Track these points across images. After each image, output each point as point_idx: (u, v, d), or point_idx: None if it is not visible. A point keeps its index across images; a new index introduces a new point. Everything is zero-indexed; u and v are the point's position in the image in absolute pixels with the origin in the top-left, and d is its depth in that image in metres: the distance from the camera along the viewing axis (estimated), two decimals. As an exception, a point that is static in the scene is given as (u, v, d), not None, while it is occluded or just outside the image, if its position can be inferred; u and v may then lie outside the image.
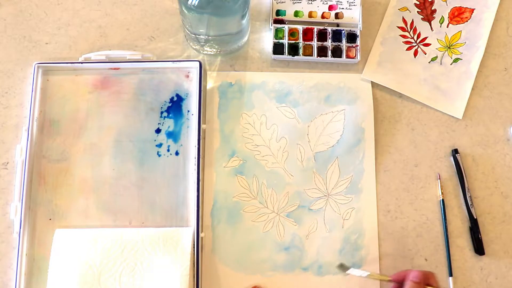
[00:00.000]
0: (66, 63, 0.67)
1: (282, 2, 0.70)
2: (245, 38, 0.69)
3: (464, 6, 0.72)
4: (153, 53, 0.69)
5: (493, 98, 0.70)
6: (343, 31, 0.70)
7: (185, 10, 0.59)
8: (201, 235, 0.63)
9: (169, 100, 0.67)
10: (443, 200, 0.66)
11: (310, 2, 0.71)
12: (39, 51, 0.70)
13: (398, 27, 0.71)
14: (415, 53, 0.71)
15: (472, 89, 0.70)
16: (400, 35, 0.71)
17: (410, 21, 0.72)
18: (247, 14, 0.63)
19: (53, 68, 0.68)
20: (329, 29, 0.70)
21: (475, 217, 0.65)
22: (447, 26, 0.72)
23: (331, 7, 0.71)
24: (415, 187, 0.67)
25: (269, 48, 0.70)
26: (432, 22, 0.72)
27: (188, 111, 0.67)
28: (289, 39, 0.69)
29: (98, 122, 0.66)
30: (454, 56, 0.70)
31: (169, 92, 0.68)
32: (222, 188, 0.66)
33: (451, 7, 0.72)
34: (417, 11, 0.72)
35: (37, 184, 0.64)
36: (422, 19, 0.72)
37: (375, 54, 0.70)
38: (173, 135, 0.66)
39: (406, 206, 0.66)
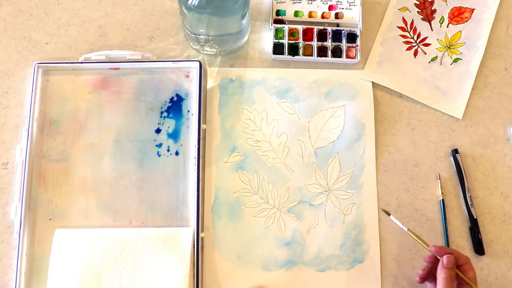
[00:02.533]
0: (66, 63, 0.67)
1: (282, 2, 0.70)
2: (245, 38, 0.69)
3: (464, 6, 0.72)
4: (153, 53, 0.69)
5: (493, 98, 0.70)
6: (343, 31, 0.70)
7: (185, 10, 0.59)
8: (201, 235, 0.63)
9: (169, 100, 0.67)
10: (443, 200, 0.66)
11: (310, 2, 0.71)
12: (39, 51, 0.70)
13: (398, 27, 0.71)
14: (415, 53, 0.71)
15: (472, 89, 0.70)
16: (400, 35, 0.71)
17: (410, 21, 0.72)
18: (247, 14, 0.63)
19: (53, 68, 0.68)
20: (329, 29, 0.70)
21: (475, 217, 0.65)
22: (447, 26, 0.72)
23: (331, 7, 0.71)
24: (415, 187, 0.67)
25: (269, 48, 0.70)
26: (432, 22, 0.72)
27: (188, 111, 0.67)
28: (289, 39, 0.69)
29: (98, 122, 0.67)
30: (454, 56, 0.70)
31: (169, 92, 0.68)
32: (223, 184, 0.66)
33: (451, 7, 0.72)
34: (417, 11, 0.72)
35: (37, 184, 0.64)
36: (422, 19, 0.72)
37: (375, 54, 0.70)
38: (173, 135, 0.66)
39: (406, 206, 0.66)
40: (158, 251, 0.60)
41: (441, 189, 0.66)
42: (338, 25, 0.71)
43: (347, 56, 0.69)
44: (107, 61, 0.68)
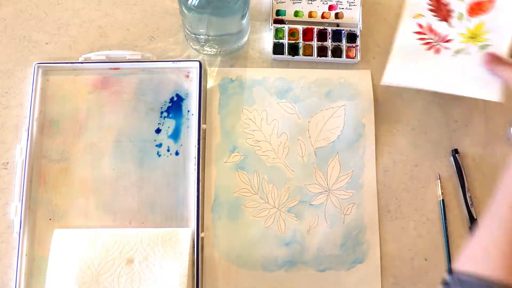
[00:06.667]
0: (66, 63, 0.67)
1: (282, 2, 0.70)
2: (245, 38, 0.69)
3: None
4: (153, 53, 0.69)
5: (493, 98, 0.70)
6: (343, 31, 0.70)
7: (185, 10, 0.59)
8: (201, 235, 0.63)
9: (169, 100, 0.67)
10: (443, 200, 0.66)
11: (310, 2, 0.71)
12: (39, 51, 0.70)
13: (415, 32, 0.67)
14: (437, 51, 0.66)
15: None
16: (418, 39, 0.66)
17: (427, 25, 0.67)
18: (247, 14, 0.63)
19: (53, 68, 0.68)
20: (329, 29, 0.70)
21: (475, 217, 0.65)
22: (468, 20, 0.66)
23: (331, 7, 0.71)
24: (415, 187, 0.67)
25: (269, 48, 0.70)
26: (450, 20, 0.67)
27: (188, 111, 0.67)
28: (289, 39, 0.69)
29: (98, 122, 0.67)
30: (479, 44, 0.65)
31: (169, 92, 0.68)
32: (223, 184, 0.66)
33: (469, 3, 0.67)
34: (433, 15, 0.67)
35: (37, 184, 0.64)
36: (439, 20, 0.67)
37: (394, 59, 0.65)
38: (173, 135, 0.66)
39: (406, 206, 0.66)
40: (156, 252, 0.60)
41: (441, 189, 0.66)
42: (338, 25, 0.71)
43: (347, 56, 0.69)
44: (107, 61, 0.68)
